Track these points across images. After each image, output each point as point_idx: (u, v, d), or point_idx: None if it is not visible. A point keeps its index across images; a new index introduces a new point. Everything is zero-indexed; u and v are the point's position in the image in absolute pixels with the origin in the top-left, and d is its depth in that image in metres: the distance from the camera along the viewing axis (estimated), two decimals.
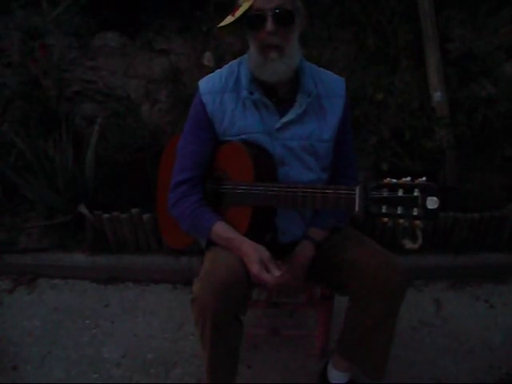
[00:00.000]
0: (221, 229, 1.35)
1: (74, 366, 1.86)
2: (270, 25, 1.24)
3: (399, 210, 1.09)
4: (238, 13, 1.26)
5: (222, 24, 1.33)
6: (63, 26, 2.88)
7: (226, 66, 1.45)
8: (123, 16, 2.84)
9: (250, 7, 1.24)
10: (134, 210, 2.35)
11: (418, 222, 1.09)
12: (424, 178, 1.09)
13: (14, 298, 2.28)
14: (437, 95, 2.63)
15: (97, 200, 2.49)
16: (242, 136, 1.37)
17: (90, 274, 2.37)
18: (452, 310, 2.13)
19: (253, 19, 1.26)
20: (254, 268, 1.26)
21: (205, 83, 1.42)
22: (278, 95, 1.38)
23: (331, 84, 1.43)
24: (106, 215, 2.35)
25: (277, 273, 1.26)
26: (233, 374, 1.42)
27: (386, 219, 1.13)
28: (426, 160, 2.49)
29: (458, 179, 2.61)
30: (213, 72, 1.47)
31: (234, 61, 1.46)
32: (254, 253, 1.27)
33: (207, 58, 2.80)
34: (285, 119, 1.36)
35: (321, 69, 1.46)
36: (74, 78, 2.90)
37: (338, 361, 1.57)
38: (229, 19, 1.31)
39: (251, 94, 1.35)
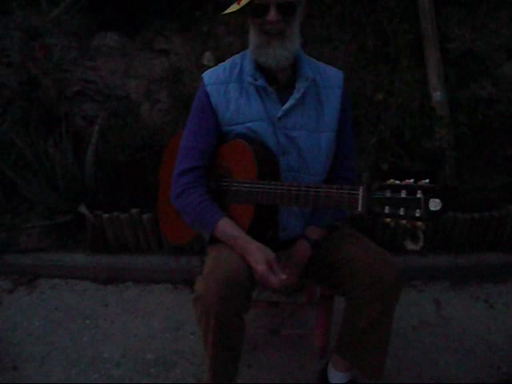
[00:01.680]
0: (226, 225, 1.34)
1: (74, 365, 1.86)
2: (272, 14, 1.28)
3: (402, 211, 1.10)
4: (244, 1, 1.29)
5: (227, 11, 1.37)
6: (63, 26, 2.88)
7: (229, 59, 1.48)
8: (123, 16, 2.85)
9: None
10: (133, 210, 2.35)
11: (420, 224, 1.09)
12: (427, 180, 1.09)
13: (14, 297, 2.28)
14: (437, 95, 2.63)
15: (97, 200, 2.49)
16: (247, 124, 1.38)
17: (90, 274, 2.38)
18: (452, 310, 2.13)
19: (257, 8, 1.29)
20: (260, 268, 1.25)
21: (209, 75, 1.44)
22: (279, 84, 1.40)
23: (329, 75, 1.45)
24: (106, 215, 2.35)
25: (283, 276, 1.26)
26: (234, 373, 1.42)
27: (388, 220, 1.13)
28: (425, 160, 2.49)
29: (458, 179, 2.61)
30: None
31: (237, 55, 1.49)
32: (259, 253, 1.27)
33: (207, 58, 2.80)
34: (286, 106, 1.38)
35: (319, 62, 1.49)
36: (73, 78, 2.90)
37: (337, 361, 1.57)
38: (234, 7, 1.34)
39: (255, 80, 1.38)
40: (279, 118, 1.38)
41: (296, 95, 1.38)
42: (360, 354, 1.44)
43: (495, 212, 2.35)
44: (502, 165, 2.65)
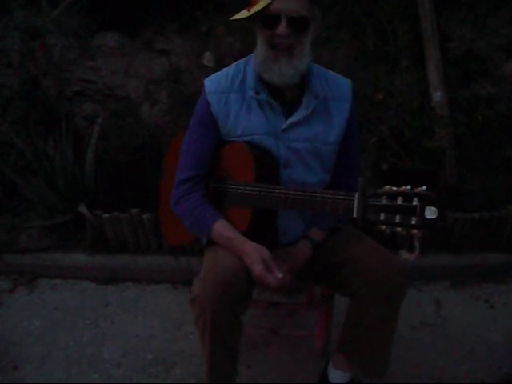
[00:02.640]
0: (222, 227, 1.35)
1: (74, 365, 1.86)
2: (283, 28, 1.23)
3: (397, 219, 1.08)
4: (254, 9, 1.25)
5: (235, 17, 1.33)
6: (63, 26, 2.88)
7: (233, 65, 1.44)
8: (123, 16, 2.84)
9: (267, 6, 1.23)
10: (133, 210, 2.35)
11: (415, 232, 1.09)
12: (424, 187, 1.08)
13: (14, 297, 2.28)
14: (437, 95, 2.63)
15: (97, 200, 2.49)
16: (246, 138, 1.37)
17: (90, 274, 2.37)
18: (452, 310, 2.12)
19: (267, 19, 1.25)
20: (257, 269, 1.25)
21: (210, 82, 1.41)
22: (284, 96, 1.37)
23: (338, 86, 1.42)
24: (106, 215, 2.35)
25: (279, 274, 1.26)
26: (232, 374, 1.42)
27: (383, 227, 1.12)
28: (425, 160, 2.48)
29: (458, 179, 2.61)
30: (213, 72, 1.46)
31: (241, 60, 1.44)
32: (255, 253, 1.27)
33: (207, 58, 2.80)
34: (291, 120, 1.35)
35: (327, 70, 1.45)
36: (73, 78, 2.90)
37: (338, 360, 1.57)
38: (244, 14, 1.30)
39: (257, 93, 1.35)
40: (283, 130, 1.36)
41: (303, 112, 1.35)
42: (362, 354, 1.44)
43: (495, 212, 2.34)
44: (501, 165, 2.65)
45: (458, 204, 2.41)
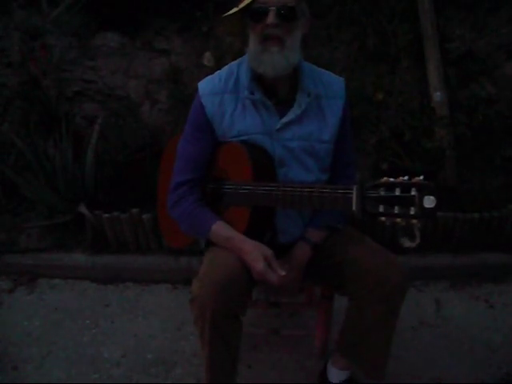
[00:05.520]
0: (221, 228, 1.35)
1: (74, 365, 1.86)
2: (271, 18, 1.25)
3: (396, 210, 1.09)
4: (242, 4, 1.28)
5: (226, 14, 1.34)
6: (63, 26, 2.88)
7: (226, 67, 1.45)
8: (123, 16, 2.84)
9: (254, 0, 1.26)
10: (133, 210, 2.35)
11: (415, 221, 1.09)
12: (421, 177, 1.09)
13: (14, 297, 2.28)
14: (437, 95, 2.63)
15: (97, 200, 2.49)
16: (242, 138, 1.37)
17: (90, 274, 2.38)
18: (452, 310, 2.13)
19: (256, 12, 1.27)
20: (259, 266, 1.26)
21: (204, 85, 1.42)
22: (278, 95, 1.38)
23: (331, 84, 1.43)
24: (106, 215, 2.35)
25: (281, 272, 1.26)
26: (232, 374, 1.42)
27: (383, 218, 1.13)
28: (425, 160, 2.49)
29: (458, 179, 2.61)
30: (212, 72, 1.47)
31: (234, 62, 1.46)
32: (256, 251, 1.27)
33: (207, 58, 2.80)
34: (284, 119, 1.36)
35: (320, 69, 1.47)
36: (73, 78, 2.90)
37: (337, 359, 1.57)
38: (233, 10, 1.32)
39: (252, 93, 1.36)
40: (277, 130, 1.37)
41: (297, 111, 1.36)
42: (362, 354, 1.44)
43: (495, 212, 2.35)
44: (501, 165, 2.65)
45: (458, 204, 2.41)
